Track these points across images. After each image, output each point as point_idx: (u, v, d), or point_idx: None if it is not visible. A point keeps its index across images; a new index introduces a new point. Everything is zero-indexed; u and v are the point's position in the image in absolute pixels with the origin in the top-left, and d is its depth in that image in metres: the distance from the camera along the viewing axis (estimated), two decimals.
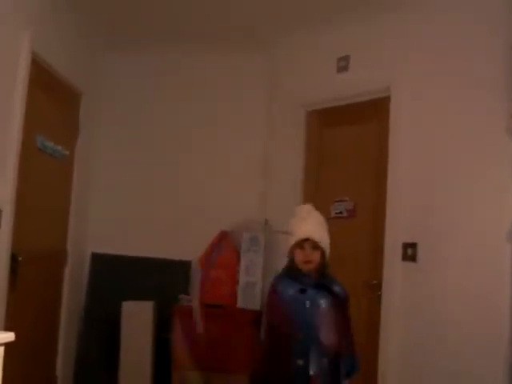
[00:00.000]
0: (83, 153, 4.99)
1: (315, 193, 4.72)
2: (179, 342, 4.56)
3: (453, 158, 3.83)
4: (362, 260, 4.34)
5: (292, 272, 3.05)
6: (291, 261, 3.06)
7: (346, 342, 2.99)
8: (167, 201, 5.30)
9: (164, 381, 4.64)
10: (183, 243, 5.06)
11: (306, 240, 3.01)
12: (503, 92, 3.58)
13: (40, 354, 4.38)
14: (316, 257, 3.01)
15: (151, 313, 4.82)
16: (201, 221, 5.11)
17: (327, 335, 2.90)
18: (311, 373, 2.85)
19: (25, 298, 4.01)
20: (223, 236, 4.88)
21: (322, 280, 3.01)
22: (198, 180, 5.31)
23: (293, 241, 3.04)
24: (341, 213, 4.50)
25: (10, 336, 2.63)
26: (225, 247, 4.85)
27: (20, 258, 3.83)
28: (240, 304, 4.69)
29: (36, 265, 4.21)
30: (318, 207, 3.24)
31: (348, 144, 4.60)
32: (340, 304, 3.02)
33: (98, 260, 5.25)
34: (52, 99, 4.39)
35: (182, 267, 5.18)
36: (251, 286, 4.70)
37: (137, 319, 4.80)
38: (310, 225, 3.06)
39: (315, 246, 3.01)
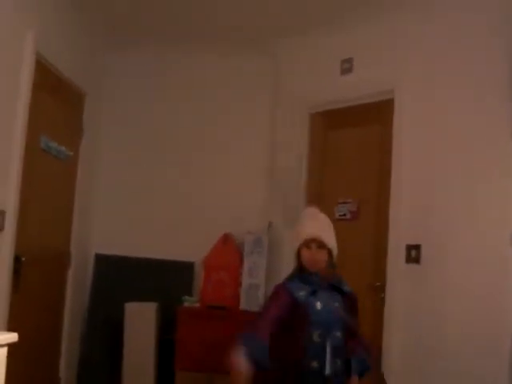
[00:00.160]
0: (87, 153, 4.99)
1: (319, 194, 4.72)
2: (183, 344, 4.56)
3: (456, 160, 3.82)
4: (366, 262, 4.33)
5: (301, 273, 3.04)
6: (298, 262, 3.05)
7: (358, 341, 2.99)
8: (171, 202, 5.30)
9: (167, 382, 4.64)
10: (187, 244, 5.07)
11: (313, 240, 3.00)
12: (507, 93, 3.57)
13: (43, 355, 4.39)
14: (323, 256, 2.99)
15: (154, 314, 4.82)
16: (204, 222, 5.11)
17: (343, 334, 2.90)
18: (327, 373, 2.84)
19: (28, 299, 4.02)
20: (226, 238, 4.87)
21: (331, 281, 3.00)
22: (202, 181, 5.32)
23: (299, 241, 3.03)
24: (344, 215, 4.49)
25: (13, 337, 2.63)
26: (228, 249, 4.84)
27: (23, 259, 3.84)
28: (243, 306, 4.68)
29: (39, 266, 4.22)
30: (321, 209, 3.24)
31: (352, 146, 4.59)
32: (351, 304, 3.01)
33: (102, 261, 5.25)
34: (56, 100, 4.39)
35: (186, 268, 5.18)
36: (254, 288, 4.70)
37: (140, 320, 4.80)
38: (316, 225, 3.05)
39: (322, 245, 2.99)
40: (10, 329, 3.08)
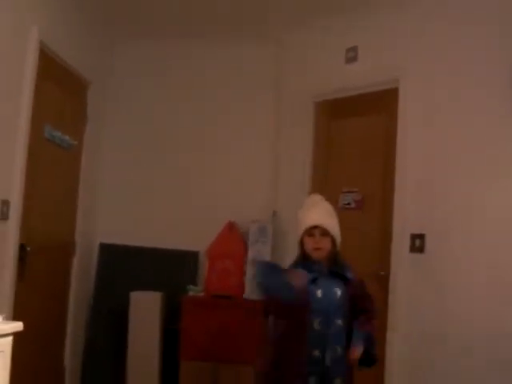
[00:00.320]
0: (91, 143, 4.98)
1: (324, 183, 4.71)
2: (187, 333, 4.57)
3: (461, 150, 3.81)
4: (370, 251, 4.33)
5: (303, 261, 3.04)
6: (301, 250, 3.05)
7: (367, 319, 2.97)
8: (176, 191, 5.30)
9: (172, 371, 4.65)
10: (191, 233, 5.07)
11: (316, 227, 2.99)
12: None
13: (48, 343, 4.40)
14: (326, 244, 2.99)
15: (159, 303, 4.83)
16: (209, 211, 5.11)
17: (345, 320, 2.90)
18: (327, 363, 2.85)
19: (33, 288, 4.03)
20: (231, 227, 4.87)
21: (334, 268, 2.99)
22: (207, 170, 5.31)
23: (302, 229, 3.03)
24: (349, 204, 4.49)
25: (18, 326, 2.65)
26: (233, 238, 4.84)
27: (28, 248, 3.85)
28: (248, 295, 4.69)
29: (44, 255, 4.22)
30: (326, 198, 3.24)
31: (356, 135, 4.58)
32: (357, 289, 3.01)
33: (106, 250, 5.25)
34: (60, 89, 4.38)
35: (190, 257, 5.18)
36: None
37: (145, 310, 4.81)
38: (319, 213, 3.05)
39: (325, 232, 2.99)
40: (16, 318, 3.10)
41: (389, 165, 4.24)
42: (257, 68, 5.32)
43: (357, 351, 2.89)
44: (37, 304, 4.08)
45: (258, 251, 4.76)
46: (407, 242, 4.03)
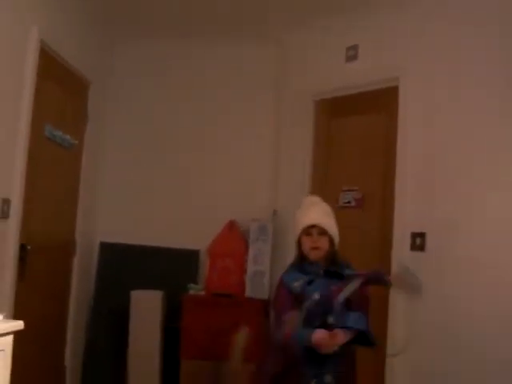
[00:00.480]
0: (92, 142, 4.99)
1: (324, 182, 4.72)
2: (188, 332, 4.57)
3: (461, 148, 3.81)
4: (371, 249, 4.33)
5: (300, 263, 3.02)
6: (299, 250, 3.04)
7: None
8: (176, 190, 5.31)
9: (172, 370, 4.66)
10: (192, 232, 5.08)
11: (313, 227, 2.98)
12: None
13: (49, 342, 4.40)
14: (324, 243, 2.97)
15: (160, 302, 4.83)
16: (209, 210, 5.12)
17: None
18: (327, 381, 2.84)
19: (34, 288, 4.03)
20: (231, 225, 4.88)
21: (331, 267, 2.97)
22: (207, 169, 5.32)
23: (300, 228, 3.01)
24: (349, 202, 4.49)
25: (19, 324, 2.65)
26: (233, 236, 4.85)
27: (29, 248, 3.84)
28: (248, 293, 4.70)
29: (45, 254, 4.22)
30: (326, 196, 3.24)
31: (357, 133, 4.59)
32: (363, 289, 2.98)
33: (107, 249, 5.26)
34: (60, 88, 4.38)
35: (191, 256, 5.18)
36: (259, 275, 4.71)
37: (145, 308, 4.81)
38: (317, 212, 3.03)
39: (322, 232, 2.97)
40: (16, 317, 3.10)
41: (389, 163, 4.24)
42: (257, 68, 5.33)
43: (341, 336, 2.78)
44: (37, 303, 4.08)
45: (259, 250, 4.77)
46: (408, 241, 4.02)
